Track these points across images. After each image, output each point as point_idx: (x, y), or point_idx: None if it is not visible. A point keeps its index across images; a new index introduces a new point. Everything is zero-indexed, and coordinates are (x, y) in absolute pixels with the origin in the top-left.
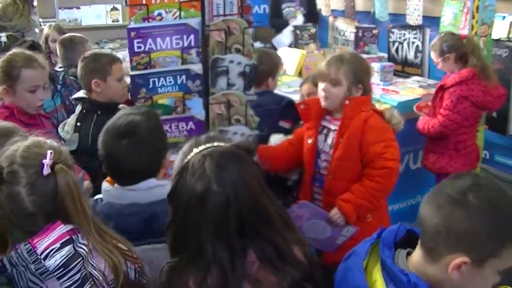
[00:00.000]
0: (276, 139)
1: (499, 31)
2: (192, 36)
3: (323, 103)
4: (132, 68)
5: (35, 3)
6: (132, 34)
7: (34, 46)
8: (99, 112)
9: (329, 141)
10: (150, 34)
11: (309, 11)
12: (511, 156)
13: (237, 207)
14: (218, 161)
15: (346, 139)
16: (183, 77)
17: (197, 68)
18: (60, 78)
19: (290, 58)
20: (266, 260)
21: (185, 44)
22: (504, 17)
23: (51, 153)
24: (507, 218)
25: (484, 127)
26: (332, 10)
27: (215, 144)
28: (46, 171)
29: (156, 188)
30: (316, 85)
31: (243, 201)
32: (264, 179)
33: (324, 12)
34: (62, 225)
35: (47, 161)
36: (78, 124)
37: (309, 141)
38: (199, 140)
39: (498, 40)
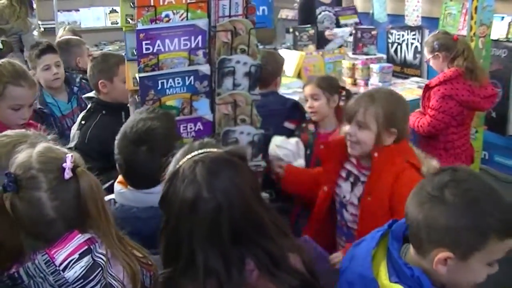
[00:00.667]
0: (278, 141)
1: (498, 31)
2: (200, 37)
3: (349, 149)
4: (140, 70)
5: (34, 6)
6: (141, 35)
7: (49, 48)
8: (103, 112)
9: (358, 192)
10: (159, 36)
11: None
12: (510, 157)
13: (229, 214)
14: (210, 167)
15: (374, 197)
16: (191, 78)
17: (205, 69)
18: (77, 80)
19: (289, 60)
20: (264, 267)
21: (193, 45)
22: (503, 18)
23: (72, 156)
24: (487, 212)
25: (483, 127)
26: None
27: (208, 150)
28: (68, 174)
29: None
30: (320, 87)
31: (235, 208)
32: (262, 184)
33: None
34: (80, 234)
35: (68, 165)
36: (83, 122)
37: (325, 188)
38: (192, 146)
39: (497, 41)
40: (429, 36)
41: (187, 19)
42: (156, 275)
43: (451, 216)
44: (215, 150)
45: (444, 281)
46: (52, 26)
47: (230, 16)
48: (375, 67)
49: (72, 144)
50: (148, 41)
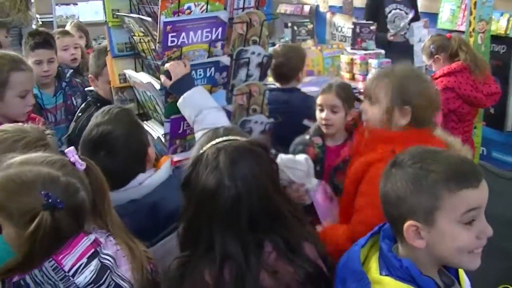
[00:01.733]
0: (286, 161)
1: (497, 27)
2: (220, 29)
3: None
4: (163, 63)
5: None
6: (168, 28)
7: (45, 43)
8: (98, 105)
9: None
10: (184, 28)
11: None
12: (508, 153)
13: (248, 203)
14: (232, 155)
15: (346, 184)
16: (212, 69)
17: (226, 60)
18: (67, 75)
19: None
20: (281, 252)
21: (213, 37)
22: (502, 13)
23: (73, 149)
24: (427, 172)
25: (482, 123)
26: (330, 6)
27: (232, 137)
28: (82, 165)
29: (146, 181)
30: (340, 97)
31: (254, 197)
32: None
33: (321, 8)
34: (85, 236)
35: (76, 158)
36: (79, 114)
37: None
38: (218, 132)
39: (496, 36)
40: (425, 42)
41: (206, 11)
42: (156, 267)
43: (399, 187)
44: (238, 138)
45: (435, 258)
46: (50, 19)
47: (243, 8)
48: (373, 62)
49: (65, 135)
50: (174, 34)
